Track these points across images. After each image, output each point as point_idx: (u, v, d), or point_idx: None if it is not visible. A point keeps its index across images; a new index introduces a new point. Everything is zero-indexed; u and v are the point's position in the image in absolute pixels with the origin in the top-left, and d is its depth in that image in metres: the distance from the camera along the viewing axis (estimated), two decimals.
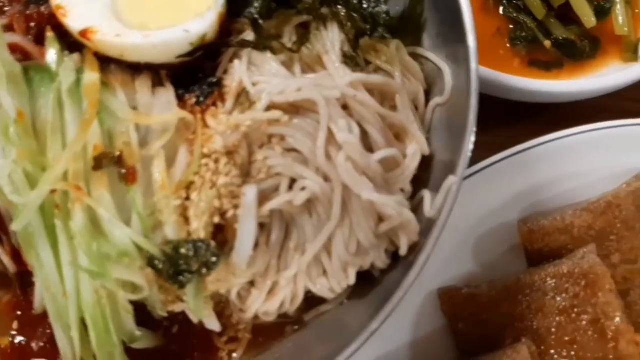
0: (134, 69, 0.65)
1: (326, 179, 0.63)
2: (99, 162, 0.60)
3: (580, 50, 0.93)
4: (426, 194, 0.67)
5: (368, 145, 0.66)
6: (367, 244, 0.64)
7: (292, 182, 0.63)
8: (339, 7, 0.69)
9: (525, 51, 0.92)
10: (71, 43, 0.65)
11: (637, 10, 0.95)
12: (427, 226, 0.64)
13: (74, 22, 0.63)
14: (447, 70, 0.70)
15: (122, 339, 0.63)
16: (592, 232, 0.80)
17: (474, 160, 0.83)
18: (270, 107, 0.62)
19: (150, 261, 0.61)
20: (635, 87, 0.92)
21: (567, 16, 0.92)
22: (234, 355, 0.69)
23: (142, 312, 0.68)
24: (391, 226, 0.64)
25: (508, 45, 0.92)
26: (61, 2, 0.64)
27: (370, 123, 0.65)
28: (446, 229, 0.78)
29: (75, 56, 0.63)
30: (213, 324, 0.66)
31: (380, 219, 0.64)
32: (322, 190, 0.62)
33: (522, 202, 0.84)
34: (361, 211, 0.63)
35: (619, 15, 0.90)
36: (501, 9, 0.93)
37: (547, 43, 0.91)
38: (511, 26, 0.93)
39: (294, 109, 0.64)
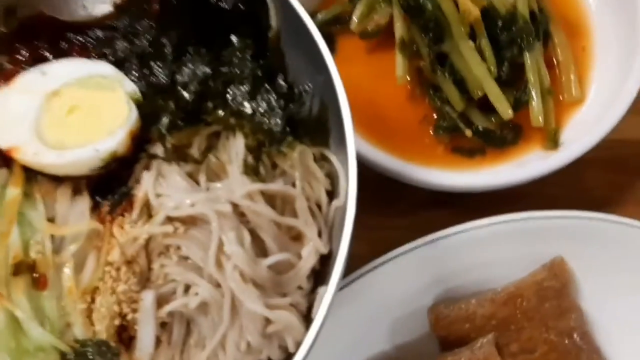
0: (57, 179, 0.73)
1: (217, 285, 0.69)
2: (18, 269, 0.68)
3: (501, 138, 0.97)
4: (321, 290, 0.73)
5: (263, 249, 0.73)
6: (255, 344, 0.69)
7: (188, 286, 0.70)
8: (244, 120, 0.76)
9: (448, 139, 0.96)
10: (2, 156, 0.74)
11: (561, 98, 1.00)
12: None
13: (1, 141, 0.72)
14: (341, 173, 0.76)
15: None
16: (494, 321, 0.84)
17: (396, 241, 0.90)
18: (169, 220, 0.69)
19: (62, 356, 0.68)
20: (557, 172, 0.96)
21: (490, 105, 0.97)
22: None
23: None
24: (276, 329, 0.69)
25: (433, 133, 0.98)
26: None
27: (264, 230, 0.71)
28: (361, 311, 0.86)
29: (3, 171, 0.71)
30: None
31: (268, 321, 0.70)
32: (213, 296, 0.68)
33: (436, 289, 0.88)
34: (249, 316, 0.68)
35: (535, 107, 0.93)
36: (427, 99, 0.99)
37: (468, 132, 0.95)
38: (435, 116, 0.98)
39: (192, 220, 0.70)
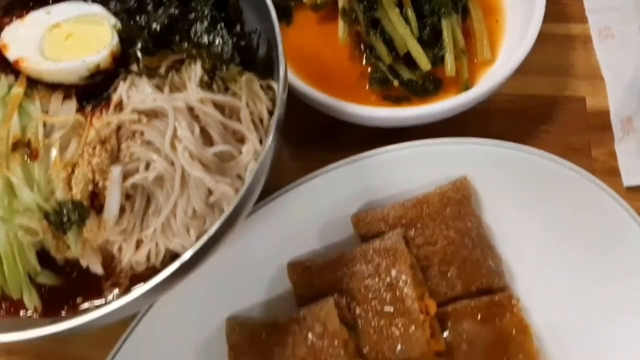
0: (53, 87, 0.92)
1: (171, 163, 0.86)
2: (15, 146, 0.86)
3: (424, 88, 1.15)
4: (251, 165, 0.89)
5: (211, 143, 0.90)
6: (200, 210, 0.86)
7: (149, 164, 0.87)
8: (202, 49, 0.94)
9: (380, 89, 1.15)
10: (14, 70, 0.93)
11: (475, 61, 1.18)
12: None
13: (11, 55, 0.92)
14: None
15: (28, 271, 0.87)
16: (403, 220, 1.00)
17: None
18: (135, 111, 0.87)
19: (45, 215, 0.85)
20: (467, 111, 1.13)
21: (414, 61, 1.16)
22: (115, 291, 0.91)
23: (49, 262, 0.92)
24: (216, 198, 0.86)
25: (368, 85, 1.16)
26: (6, 42, 0.92)
27: (212, 128, 0.89)
28: (296, 220, 1.02)
29: (10, 77, 0.91)
30: (96, 268, 0.89)
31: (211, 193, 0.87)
32: (167, 170, 0.86)
33: (360, 201, 1.05)
34: (195, 186, 0.86)
35: (448, 60, 1.12)
36: (364, 57, 1.18)
37: (396, 82, 1.14)
38: (369, 70, 1.17)
39: (154, 114, 0.88)
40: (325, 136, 1.17)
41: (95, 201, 0.87)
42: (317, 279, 0.97)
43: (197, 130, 0.88)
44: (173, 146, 0.86)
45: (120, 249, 0.90)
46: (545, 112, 1.17)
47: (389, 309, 0.92)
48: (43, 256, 0.91)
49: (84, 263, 0.90)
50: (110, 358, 0.93)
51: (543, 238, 1.01)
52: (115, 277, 0.93)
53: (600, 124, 1.16)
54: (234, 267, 1.01)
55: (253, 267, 1.01)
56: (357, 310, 0.93)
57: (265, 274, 1.02)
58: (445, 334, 0.93)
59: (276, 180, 1.03)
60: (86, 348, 1.03)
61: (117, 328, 0.96)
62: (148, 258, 0.90)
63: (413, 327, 0.89)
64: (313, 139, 1.18)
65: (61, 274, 0.94)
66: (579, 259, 1.00)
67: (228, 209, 0.83)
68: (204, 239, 0.80)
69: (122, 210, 0.87)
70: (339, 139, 1.16)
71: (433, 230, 0.98)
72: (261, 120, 0.97)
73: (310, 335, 0.89)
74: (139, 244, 0.89)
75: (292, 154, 1.16)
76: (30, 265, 0.87)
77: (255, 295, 1.00)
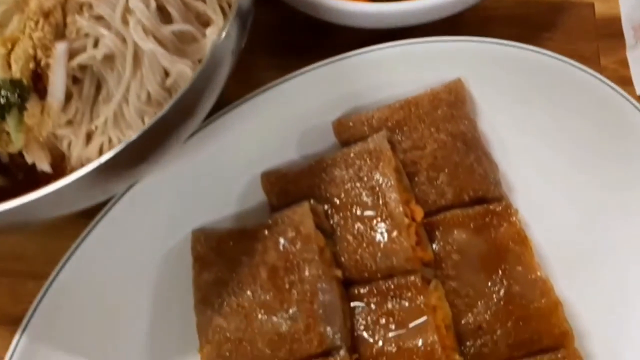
0: None
1: (123, 40, 0.76)
2: None
3: None
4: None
5: (170, 21, 0.79)
6: (155, 95, 0.76)
7: (97, 42, 0.77)
8: None
9: None
10: None
11: None
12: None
13: None
14: None
15: None
16: (389, 123, 0.89)
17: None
18: None
19: None
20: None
21: None
22: None
23: None
24: (174, 80, 0.76)
25: None
26: None
27: (171, 5, 0.79)
28: (271, 125, 0.92)
29: None
30: (43, 165, 0.79)
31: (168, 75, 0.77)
32: (118, 48, 0.75)
33: (343, 106, 0.93)
34: (148, 65, 0.75)
35: None
36: None
37: None
38: None
39: None
40: (304, 43, 1.06)
41: (39, 84, 0.78)
42: (293, 186, 0.87)
43: (152, 5, 0.77)
44: (125, 20, 0.76)
45: (69, 145, 0.81)
46: (550, 19, 1.06)
47: (370, 213, 0.81)
48: None
49: (29, 159, 0.79)
50: (61, 264, 0.83)
51: (545, 147, 0.90)
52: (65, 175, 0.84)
53: (609, 31, 1.04)
54: (202, 176, 0.90)
55: (223, 177, 0.90)
56: (336, 218, 0.83)
57: (237, 185, 0.91)
58: (434, 245, 0.83)
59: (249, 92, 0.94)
60: (41, 265, 0.93)
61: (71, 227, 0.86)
62: (100, 153, 0.80)
63: (396, 232, 0.79)
64: (290, 47, 1.07)
65: (6, 174, 0.84)
66: (585, 169, 0.89)
67: (183, 88, 0.73)
68: (155, 119, 0.70)
69: (69, 96, 0.77)
70: (322, 47, 1.05)
71: (422, 133, 0.87)
72: (230, 6, 0.87)
73: (281, 240, 0.79)
74: (89, 136, 0.79)
75: (267, 64, 1.05)
76: None
77: (225, 207, 0.90)
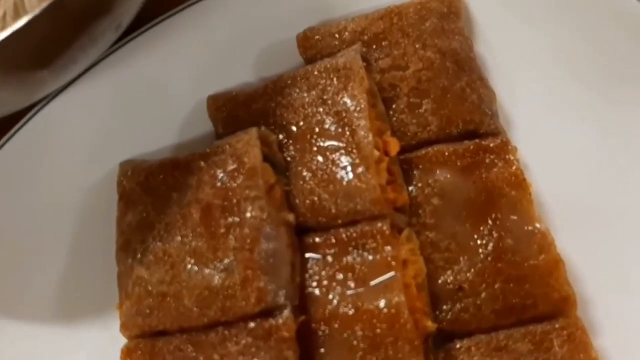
0: None
1: None
2: None
3: None
4: None
5: None
6: None
7: None
8: None
9: None
10: None
11: None
12: None
13: None
14: None
15: None
16: (365, 36, 0.71)
17: None
18: None
19: None
20: None
21: None
22: None
23: None
24: None
25: None
26: None
27: None
28: (222, 40, 0.75)
29: None
30: None
31: None
32: None
33: (310, 17, 0.76)
34: None
35: None
36: None
37: None
38: None
39: None
40: None
41: None
42: (243, 111, 0.70)
43: None
44: None
45: None
46: None
47: (333, 144, 0.65)
48: None
49: None
50: None
51: (554, 74, 0.73)
52: None
53: None
54: (135, 96, 0.74)
55: (162, 99, 0.74)
56: (291, 150, 0.67)
57: (178, 110, 0.74)
58: (411, 187, 0.68)
59: None
60: None
61: None
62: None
63: (363, 167, 0.63)
64: None
65: None
66: (604, 103, 0.73)
67: None
68: (50, 2, 0.54)
69: None
70: None
71: (405, 49, 0.70)
72: None
73: (220, 173, 0.63)
74: None
75: None
76: None
77: (163, 136, 0.74)
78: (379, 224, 0.62)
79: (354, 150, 0.63)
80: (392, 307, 0.58)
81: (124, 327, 0.64)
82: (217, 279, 0.60)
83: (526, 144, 0.73)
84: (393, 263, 0.60)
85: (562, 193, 0.71)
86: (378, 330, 0.58)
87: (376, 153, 0.63)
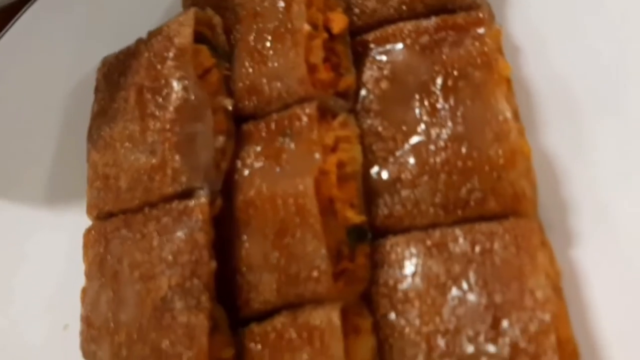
0: None
1: None
2: None
3: None
4: None
5: None
6: None
7: None
8: None
9: None
10: None
11: None
12: None
13: None
14: None
15: None
16: None
17: None
18: None
19: None
20: None
21: None
22: None
23: None
24: None
25: None
26: None
27: None
28: None
29: None
30: None
31: None
32: None
33: None
34: None
35: None
36: None
37: None
38: None
39: None
40: None
41: None
42: None
43: None
44: None
45: None
46: None
47: (271, 24, 0.60)
48: None
49: None
50: None
51: None
52: None
53: None
54: None
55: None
56: (237, 32, 0.62)
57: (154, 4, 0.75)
58: (362, 70, 0.59)
59: None
60: None
61: None
62: None
63: (291, 42, 0.57)
64: None
65: None
66: None
67: None
68: None
69: None
70: None
71: None
72: None
73: (152, 55, 0.61)
74: None
75: None
76: None
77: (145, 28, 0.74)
78: (305, 107, 0.56)
79: (288, 26, 0.58)
80: (300, 193, 0.53)
81: (88, 209, 0.66)
82: (143, 161, 0.59)
83: (520, 23, 0.61)
84: (314, 148, 0.54)
85: (559, 79, 0.59)
86: (286, 215, 0.53)
87: (306, 28, 0.56)
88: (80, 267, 0.67)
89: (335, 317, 0.49)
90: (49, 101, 0.75)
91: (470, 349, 0.48)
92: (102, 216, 0.65)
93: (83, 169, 0.72)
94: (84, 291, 0.63)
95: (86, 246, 0.65)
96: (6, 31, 0.74)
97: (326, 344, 0.49)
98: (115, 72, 0.66)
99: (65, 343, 0.67)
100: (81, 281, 0.66)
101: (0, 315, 0.71)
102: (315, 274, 0.51)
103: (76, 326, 0.66)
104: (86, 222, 0.69)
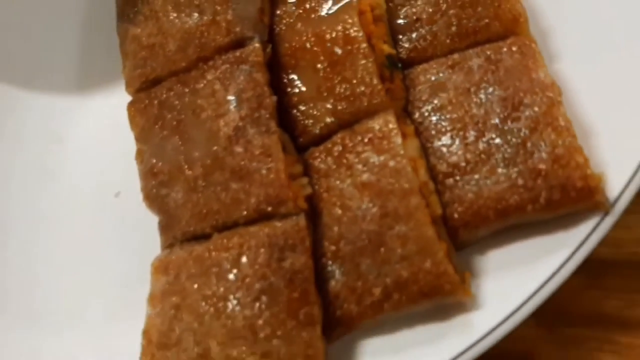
0: None
1: None
2: None
3: None
4: None
5: None
6: None
7: None
8: None
9: None
10: None
11: None
12: None
13: None
14: None
15: None
16: None
17: None
18: None
19: None
20: None
21: None
22: None
23: None
24: None
25: None
26: None
27: None
28: None
29: None
30: None
31: None
32: None
33: None
34: None
35: None
36: None
37: None
38: None
39: None
40: None
41: None
42: None
43: None
44: None
45: None
46: None
47: None
48: None
49: None
50: None
51: None
52: None
53: None
54: None
55: None
56: None
57: None
58: None
59: None
60: None
61: None
62: None
63: None
64: None
65: None
66: None
67: None
68: None
69: None
70: None
71: None
72: None
73: None
74: None
75: None
76: None
77: None
78: None
79: None
80: (347, 27, 0.63)
81: (127, 85, 0.72)
82: (193, 21, 0.66)
83: None
84: None
85: None
86: (337, 48, 0.63)
87: None
88: (116, 143, 0.73)
89: (391, 118, 0.60)
90: None
91: (496, 129, 0.60)
92: (146, 86, 0.71)
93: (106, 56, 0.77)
94: (140, 152, 0.69)
95: (133, 115, 0.70)
96: None
97: (387, 140, 0.60)
98: None
99: (119, 207, 0.73)
100: (121, 154, 0.72)
101: (50, 197, 0.75)
102: (368, 89, 0.62)
103: (127, 192, 0.72)
104: (119, 105, 0.74)
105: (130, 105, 0.70)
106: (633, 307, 0.64)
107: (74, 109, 0.77)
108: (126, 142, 0.71)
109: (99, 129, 0.76)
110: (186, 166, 0.64)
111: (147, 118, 0.68)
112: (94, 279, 0.72)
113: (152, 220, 0.67)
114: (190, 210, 0.63)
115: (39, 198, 0.74)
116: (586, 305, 0.63)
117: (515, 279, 0.57)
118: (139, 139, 0.69)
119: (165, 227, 0.66)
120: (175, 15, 0.67)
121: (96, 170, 0.75)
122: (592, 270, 0.60)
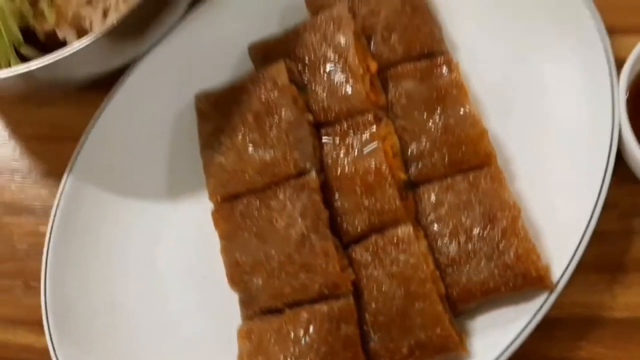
0: None
1: None
2: None
3: None
4: None
5: None
6: None
7: None
8: None
9: None
10: None
11: None
12: None
13: None
14: None
15: (13, 42, 0.96)
16: None
17: None
18: None
19: None
20: None
21: None
22: None
23: (33, 40, 1.01)
24: None
25: None
26: None
27: None
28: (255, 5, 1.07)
29: None
30: (72, 39, 0.97)
31: None
32: None
33: None
34: None
35: None
36: None
37: None
38: None
39: None
40: None
41: None
42: (273, 52, 1.02)
43: None
44: None
45: (91, 24, 0.97)
46: None
47: (334, 67, 0.97)
48: (27, 36, 1.00)
49: (60, 35, 0.97)
50: (92, 122, 1.03)
51: (485, 8, 1.04)
52: None
53: None
54: (200, 49, 1.07)
55: (219, 50, 1.07)
56: (307, 74, 0.99)
57: (229, 56, 1.08)
58: (388, 93, 0.99)
59: None
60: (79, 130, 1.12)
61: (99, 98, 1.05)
62: None
63: (353, 79, 0.95)
64: None
65: (44, 51, 1.02)
66: (515, 27, 1.03)
67: None
68: None
69: None
70: None
71: (376, 0, 1.02)
72: None
73: (262, 91, 0.96)
74: (105, 13, 0.96)
75: None
76: (13, 36, 0.96)
77: (222, 75, 1.07)
78: (366, 115, 0.94)
79: (347, 70, 0.95)
80: (377, 164, 0.91)
81: (210, 196, 0.98)
82: (267, 156, 0.93)
83: (466, 59, 1.04)
84: (376, 137, 0.93)
85: (491, 89, 1.02)
86: (369, 178, 0.91)
87: (361, 70, 0.94)
88: (203, 239, 0.99)
89: (410, 229, 0.88)
90: (159, 128, 1.06)
91: (479, 235, 0.89)
92: (226, 198, 0.97)
93: (190, 174, 1.03)
94: (224, 247, 0.94)
95: (217, 220, 0.96)
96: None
97: (407, 243, 0.87)
98: (224, 102, 0.99)
99: (205, 288, 0.99)
100: (206, 248, 0.98)
101: (146, 278, 0.99)
102: (392, 207, 0.90)
103: (213, 276, 0.97)
104: (203, 212, 0.99)
105: (215, 212, 0.96)
106: (575, 350, 0.92)
107: (167, 214, 1.03)
108: (208, 238, 0.97)
109: (187, 229, 1.02)
110: (265, 259, 0.90)
111: (230, 223, 0.94)
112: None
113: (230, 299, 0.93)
114: (268, 292, 0.89)
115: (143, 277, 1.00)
116: (540, 351, 0.91)
117: (495, 336, 0.85)
118: (223, 237, 0.95)
119: (245, 303, 0.92)
120: (252, 150, 0.94)
121: (186, 257, 1.00)
122: (544, 326, 0.89)
